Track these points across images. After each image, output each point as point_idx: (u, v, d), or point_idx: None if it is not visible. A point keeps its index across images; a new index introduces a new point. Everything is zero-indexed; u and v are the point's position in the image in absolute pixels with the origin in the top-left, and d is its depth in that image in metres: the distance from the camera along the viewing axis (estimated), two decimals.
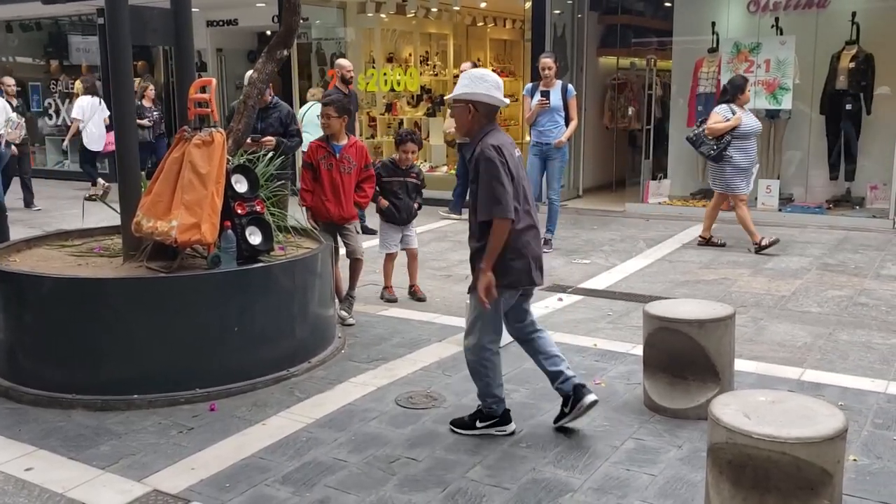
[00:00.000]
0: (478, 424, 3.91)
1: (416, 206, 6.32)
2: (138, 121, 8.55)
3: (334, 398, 4.40)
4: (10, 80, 11.28)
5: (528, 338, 3.99)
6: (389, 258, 6.37)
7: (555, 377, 3.94)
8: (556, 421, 3.97)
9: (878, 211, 9.45)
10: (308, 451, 3.76)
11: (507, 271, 3.68)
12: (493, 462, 3.63)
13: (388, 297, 6.31)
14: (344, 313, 5.78)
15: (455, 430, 3.94)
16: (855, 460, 3.60)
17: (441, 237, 9.09)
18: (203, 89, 4.75)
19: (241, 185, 4.82)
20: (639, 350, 4.53)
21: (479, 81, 3.70)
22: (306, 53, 13.56)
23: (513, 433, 3.91)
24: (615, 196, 11.56)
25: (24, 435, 3.97)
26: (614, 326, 5.75)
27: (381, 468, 3.59)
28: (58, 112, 15.56)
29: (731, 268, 7.40)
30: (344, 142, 5.67)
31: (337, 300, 5.74)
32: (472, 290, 3.77)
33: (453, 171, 11.77)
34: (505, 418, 3.93)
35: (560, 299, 6.47)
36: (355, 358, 5.04)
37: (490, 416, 3.91)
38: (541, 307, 6.23)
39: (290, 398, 4.39)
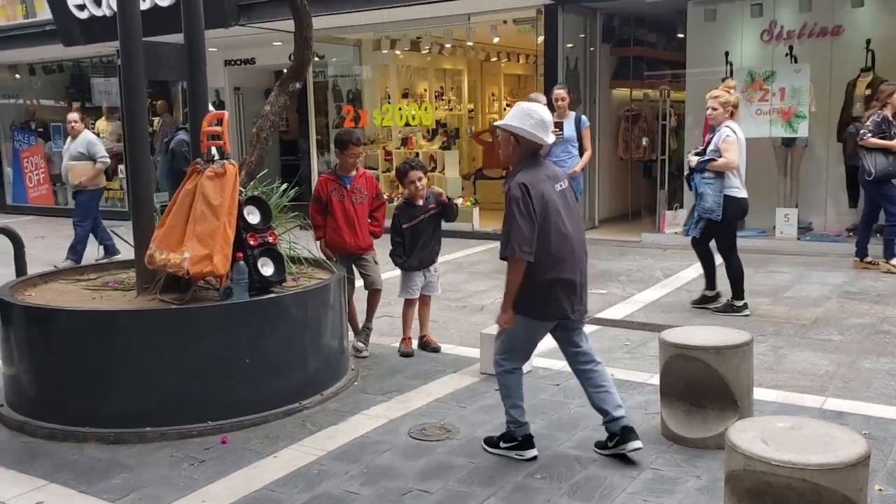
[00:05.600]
0: (501, 445, 3.95)
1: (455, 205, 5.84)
2: None
3: (347, 430, 4.35)
4: None
5: (579, 368, 4.03)
6: (409, 304, 5.80)
7: (603, 413, 3.93)
8: (596, 445, 4.01)
9: None
10: (319, 484, 3.70)
11: (533, 305, 3.80)
12: (507, 494, 3.56)
13: (404, 351, 5.69)
14: (360, 344, 5.74)
15: (485, 447, 4.01)
16: (880, 490, 3.50)
17: (456, 268, 9.06)
18: (217, 122, 4.79)
19: (253, 217, 4.83)
20: (656, 380, 4.46)
21: (525, 117, 3.79)
22: (322, 92, 13.72)
23: (533, 459, 3.88)
24: (631, 226, 11.50)
25: (37, 469, 3.95)
26: (631, 356, 5.67)
27: (393, 500, 3.53)
28: None
29: (749, 297, 7.27)
30: (353, 173, 5.70)
31: (352, 332, 5.71)
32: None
33: (469, 203, 11.81)
34: (525, 443, 3.92)
35: None
36: (369, 390, 4.99)
37: (511, 437, 3.93)
38: None
39: (302, 431, 4.35)
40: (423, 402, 4.74)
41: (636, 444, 3.82)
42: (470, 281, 8.31)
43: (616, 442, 3.86)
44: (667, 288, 7.83)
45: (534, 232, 3.67)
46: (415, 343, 5.82)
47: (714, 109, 6.56)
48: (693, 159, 6.70)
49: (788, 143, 9.92)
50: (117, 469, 3.92)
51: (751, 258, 8.34)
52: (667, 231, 10.51)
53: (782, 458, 2.64)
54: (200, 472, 3.86)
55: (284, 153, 14.80)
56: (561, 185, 3.87)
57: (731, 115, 6.57)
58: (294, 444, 4.17)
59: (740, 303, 6.70)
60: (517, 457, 3.88)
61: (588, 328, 6.42)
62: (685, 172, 6.93)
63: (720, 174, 6.48)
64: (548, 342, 5.92)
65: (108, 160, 10.24)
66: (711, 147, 6.57)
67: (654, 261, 9.22)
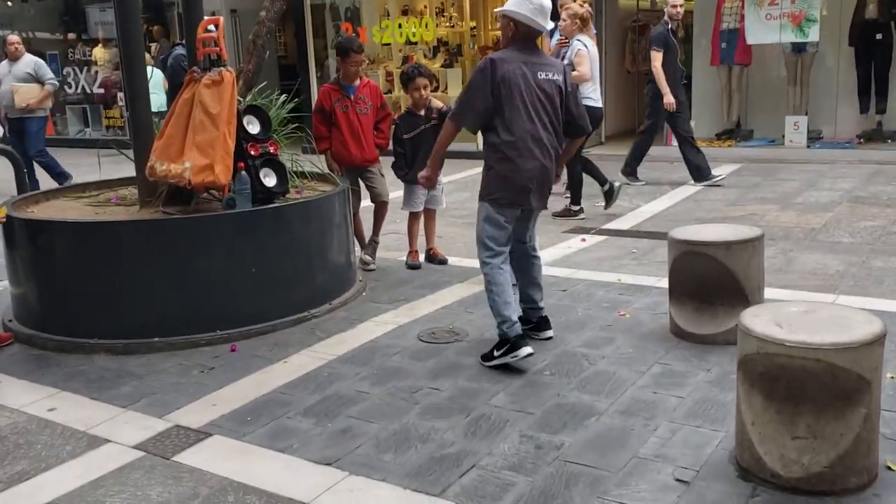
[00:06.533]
0: (495, 353, 3.82)
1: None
2: None
3: (356, 336, 4.35)
4: None
5: (522, 259, 4.11)
6: (414, 217, 5.75)
7: (528, 301, 4.17)
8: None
9: None
10: (330, 386, 3.71)
11: (498, 188, 3.88)
12: (516, 390, 3.57)
13: (411, 264, 5.66)
14: (367, 257, 5.70)
15: (482, 363, 3.87)
16: (892, 378, 3.48)
17: (461, 187, 8.98)
18: (210, 28, 4.65)
19: (253, 127, 4.74)
20: (664, 283, 4.43)
21: (524, 1, 3.76)
22: (320, 14, 13.38)
23: (529, 355, 3.74)
24: None
25: (47, 378, 3.97)
26: (639, 263, 5.64)
27: (403, 398, 3.54)
28: (77, 81, 15.52)
29: (758, 204, 7.24)
30: (356, 83, 5.56)
31: (358, 245, 5.66)
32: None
33: None
34: (516, 343, 3.74)
35: (583, 240, 6.37)
36: (377, 299, 4.98)
37: (504, 341, 3.79)
38: (563, 248, 6.14)
39: (311, 337, 4.35)
40: (431, 309, 4.74)
41: (549, 333, 4.13)
42: (474, 199, 8.03)
43: (532, 327, 4.12)
44: (674, 199, 7.76)
45: (485, 106, 3.73)
46: (421, 256, 5.80)
47: (564, 21, 6.75)
48: None
49: (799, 48, 9.68)
50: (127, 377, 3.93)
51: (759, 167, 8.27)
52: (674, 144, 10.32)
53: (796, 339, 2.61)
54: (210, 379, 3.87)
55: (283, 78, 14.54)
56: (548, 75, 3.81)
57: (582, 29, 6.72)
58: (304, 349, 4.18)
59: (577, 207, 7.18)
60: (512, 359, 3.73)
61: (596, 238, 6.44)
62: None
63: (575, 86, 6.60)
64: (552, 253, 5.94)
65: (57, 83, 9.65)
66: (565, 62, 6.71)
67: (662, 173, 9.12)
